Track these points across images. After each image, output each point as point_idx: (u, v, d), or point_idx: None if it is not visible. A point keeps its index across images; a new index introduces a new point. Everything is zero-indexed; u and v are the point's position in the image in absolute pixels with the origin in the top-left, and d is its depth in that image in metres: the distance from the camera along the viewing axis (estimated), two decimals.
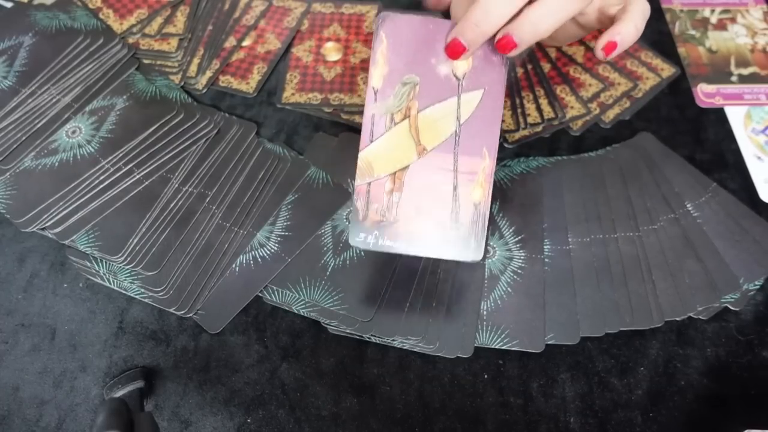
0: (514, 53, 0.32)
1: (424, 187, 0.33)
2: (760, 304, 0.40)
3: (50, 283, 0.39)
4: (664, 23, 0.53)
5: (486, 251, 0.40)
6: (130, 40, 0.48)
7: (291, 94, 0.47)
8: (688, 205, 0.42)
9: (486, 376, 0.37)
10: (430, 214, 0.33)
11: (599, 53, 0.36)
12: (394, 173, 0.33)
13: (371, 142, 0.33)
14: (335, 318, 0.38)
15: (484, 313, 0.38)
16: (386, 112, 0.33)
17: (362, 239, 0.33)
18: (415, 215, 0.33)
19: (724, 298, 0.39)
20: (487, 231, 0.33)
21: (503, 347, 0.38)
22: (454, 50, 0.31)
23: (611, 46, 0.36)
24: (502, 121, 0.34)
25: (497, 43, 0.31)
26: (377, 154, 0.33)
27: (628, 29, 0.36)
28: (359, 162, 0.33)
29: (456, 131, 0.32)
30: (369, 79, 0.33)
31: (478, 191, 0.33)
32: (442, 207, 0.33)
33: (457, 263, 0.40)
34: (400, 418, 0.36)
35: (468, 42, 0.31)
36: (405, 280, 0.39)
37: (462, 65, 0.32)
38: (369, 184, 0.33)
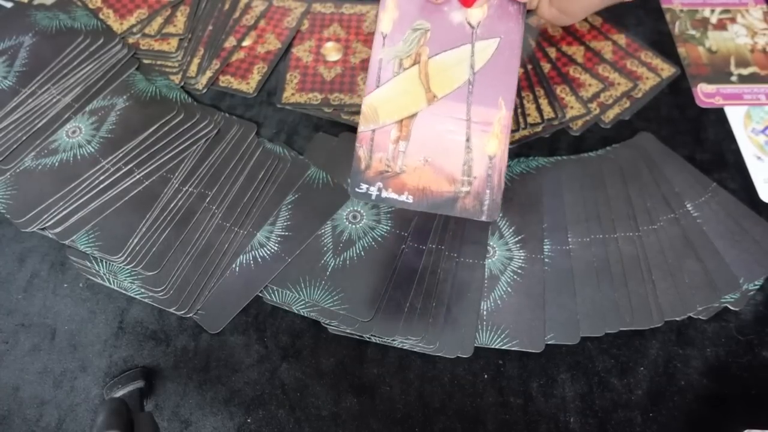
0: (533, 2, 0.30)
1: (434, 137, 0.30)
2: (760, 304, 0.40)
3: (50, 283, 0.39)
4: (664, 23, 0.53)
5: (487, 251, 0.40)
6: (130, 40, 0.48)
7: (291, 94, 0.47)
8: (688, 205, 0.43)
9: (486, 376, 0.37)
10: (440, 166, 0.31)
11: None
12: (401, 121, 0.31)
13: (377, 87, 0.31)
14: (335, 318, 0.38)
15: (484, 313, 0.38)
16: (395, 56, 0.31)
17: (364, 191, 0.31)
18: (423, 166, 0.31)
19: (724, 298, 0.39)
20: (503, 187, 0.31)
21: (503, 347, 0.38)
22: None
23: None
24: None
25: None
26: (383, 99, 0.31)
27: None
28: (363, 107, 0.31)
29: (470, 79, 0.31)
30: (378, 23, 0.31)
31: (494, 143, 0.31)
32: (453, 158, 0.30)
33: (457, 263, 0.40)
34: (400, 418, 0.36)
35: None
36: (405, 280, 0.39)
37: (477, 13, 0.30)
38: (373, 131, 0.31)
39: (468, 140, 0.30)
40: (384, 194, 0.31)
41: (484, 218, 0.31)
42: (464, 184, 0.31)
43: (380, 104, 0.31)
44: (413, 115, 0.31)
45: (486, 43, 0.30)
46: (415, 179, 0.31)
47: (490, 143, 0.30)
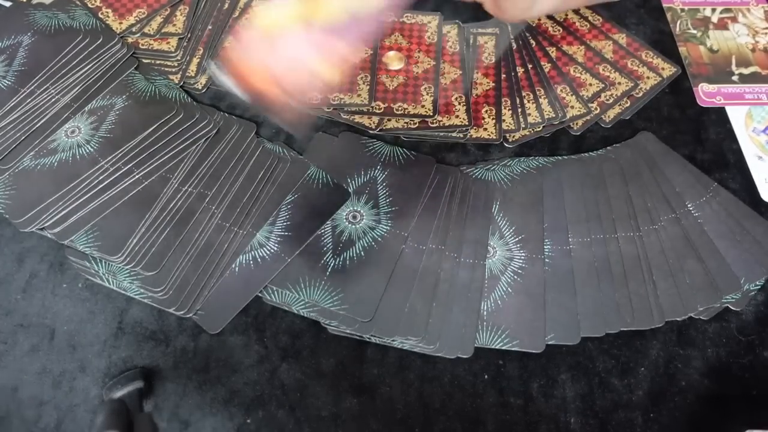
0: None
1: (291, 54, 0.33)
2: (761, 304, 0.40)
3: (49, 284, 0.39)
4: (665, 22, 0.53)
5: (487, 251, 0.40)
6: (130, 40, 0.48)
7: None
8: (688, 205, 0.42)
9: (486, 377, 0.37)
10: (282, 76, 0.33)
11: None
12: (271, 31, 0.33)
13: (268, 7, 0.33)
14: (335, 318, 0.38)
15: (484, 313, 0.38)
16: None
17: (215, 71, 0.33)
18: (269, 73, 0.33)
19: (725, 298, 0.39)
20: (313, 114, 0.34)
21: (503, 347, 0.38)
22: None
23: None
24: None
25: None
26: (268, 17, 0.33)
27: None
28: (250, 20, 0.33)
29: (348, 22, 0.33)
30: None
31: (331, 72, 0.33)
32: (296, 76, 0.33)
33: (457, 263, 0.40)
34: (400, 419, 0.36)
35: None
36: (405, 280, 0.39)
37: None
38: (249, 29, 0.33)
39: (315, 65, 0.33)
40: (228, 82, 0.33)
41: (293, 132, 0.34)
42: (293, 98, 0.33)
43: (263, 20, 0.33)
44: (284, 31, 0.33)
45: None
46: (258, 81, 0.33)
47: (328, 71, 0.33)
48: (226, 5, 0.51)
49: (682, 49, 0.51)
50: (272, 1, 0.33)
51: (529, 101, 0.47)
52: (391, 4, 0.33)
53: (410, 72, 0.48)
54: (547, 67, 0.49)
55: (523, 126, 0.46)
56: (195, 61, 0.48)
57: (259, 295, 0.39)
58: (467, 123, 0.45)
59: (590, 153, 0.45)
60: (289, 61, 0.33)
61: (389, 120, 0.46)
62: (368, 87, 0.46)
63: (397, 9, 0.33)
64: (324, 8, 0.33)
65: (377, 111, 0.46)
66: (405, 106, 0.46)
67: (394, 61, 0.48)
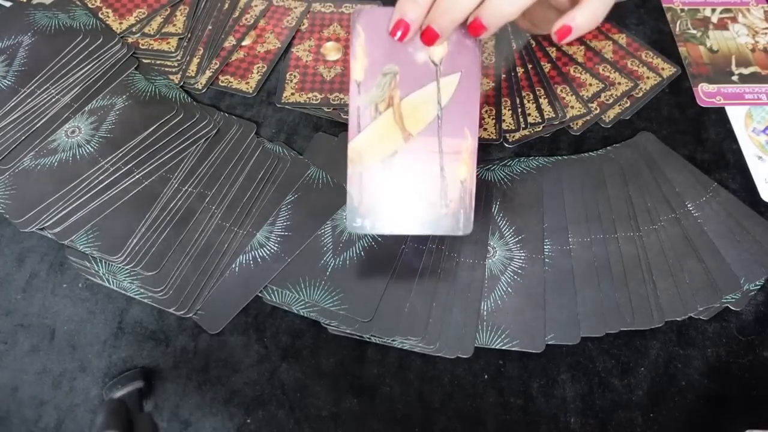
0: (485, 36, 0.33)
1: (414, 169, 0.34)
2: (761, 304, 0.40)
3: (49, 284, 0.39)
4: (665, 22, 0.53)
5: (487, 251, 0.40)
6: (130, 40, 0.48)
7: (291, 94, 0.47)
8: (688, 205, 0.42)
9: (486, 377, 0.37)
10: (421, 194, 0.34)
11: (553, 37, 0.36)
12: (383, 160, 0.34)
13: (359, 132, 0.34)
14: (335, 318, 0.38)
15: (484, 313, 0.38)
16: (370, 102, 0.34)
17: (359, 224, 0.35)
18: (409, 197, 0.35)
19: (725, 298, 0.39)
20: (473, 205, 0.35)
21: (503, 347, 0.38)
22: (429, 37, 0.33)
23: (565, 31, 0.35)
24: (489, 106, 0.35)
25: (468, 27, 0.33)
26: (365, 143, 0.34)
27: (584, 16, 0.35)
28: (349, 153, 0.34)
29: (438, 114, 0.34)
30: (351, 72, 0.34)
31: (463, 169, 0.34)
32: (431, 187, 0.34)
33: (457, 263, 0.40)
34: (400, 419, 0.36)
35: (440, 29, 0.32)
36: (405, 280, 0.39)
37: (438, 51, 0.33)
38: (361, 173, 0.34)
39: (442, 169, 0.34)
40: (377, 225, 0.35)
41: (460, 233, 0.35)
42: (442, 207, 0.35)
43: (363, 148, 0.34)
44: (394, 153, 0.34)
45: (449, 78, 0.34)
46: (401, 210, 0.35)
47: (461, 169, 0.34)
48: (226, 5, 0.51)
49: (682, 49, 0.51)
50: (357, 140, 0.34)
51: (529, 101, 0.47)
52: (470, 77, 0.34)
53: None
54: (547, 67, 0.49)
55: (523, 126, 0.46)
56: (195, 61, 0.48)
57: (259, 295, 0.39)
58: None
59: (590, 153, 0.45)
60: (419, 177, 0.34)
61: None
62: None
63: (476, 74, 0.34)
64: (410, 112, 0.34)
65: None
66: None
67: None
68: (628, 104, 0.48)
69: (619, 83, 0.48)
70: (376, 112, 0.34)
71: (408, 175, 0.34)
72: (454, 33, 0.33)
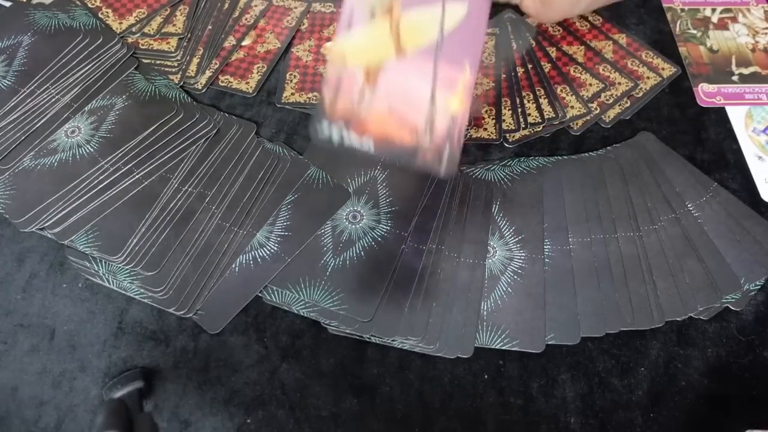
0: None
1: (400, 89, 0.31)
2: (761, 304, 0.40)
3: (49, 284, 0.39)
4: (665, 22, 0.53)
5: (487, 251, 0.40)
6: (130, 40, 0.48)
7: (291, 94, 0.47)
8: (688, 205, 0.42)
9: (486, 377, 0.37)
10: (404, 117, 0.31)
11: None
12: (368, 69, 0.31)
13: (347, 31, 0.31)
14: (335, 318, 0.38)
15: (484, 313, 0.38)
16: (368, 5, 0.31)
17: (326, 133, 0.31)
18: (387, 116, 0.31)
19: (725, 298, 0.39)
20: (461, 146, 0.32)
21: (503, 347, 0.38)
22: None
23: None
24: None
25: None
26: (353, 45, 0.31)
27: None
28: (332, 51, 0.31)
29: (439, 39, 0.31)
30: None
31: (456, 102, 0.31)
32: (416, 112, 0.31)
33: (457, 263, 0.40)
34: (400, 418, 0.36)
35: None
36: (405, 280, 0.39)
37: None
38: (340, 74, 0.31)
39: (433, 96, 0.31)
40: (345, 137, 0.31)
41: (442, 172, 0.31)
42: (426, 135, 0.31)
43: (349, 50, 0.31)
44: (380, 67, 0.31)
45: (457, 5, 0.31)
46: (378, 126, 0.31)
47: (453, 102, 0.31)
48: (226, 5, 0.51)
49: (682, 49, 0.51)
50: (343, 36, 0.31)
51: (529, 101, 0.47)
52: (479, 8, 0.31)
53: None
54: (547, 67, 0.49)
55: (523, 126, 0.46)
56: (195, 61, 0.48)
57: (259, 295, 0.39)
58: (467, 123, 0.45)
59: (590, 153, 0.45)
60: (405, 98, 0.31)
61: None
62: None
63: (485, 10, 0.31)
64: (408, 29, 0.31)
65: None
66: None
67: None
68: (628, 104, 0.48)
69: (619, 83, 0.48)
70: (371, 17, 0.31)
71: (393, 93, 0.31)
72: None
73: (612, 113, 0.47)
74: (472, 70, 0.31)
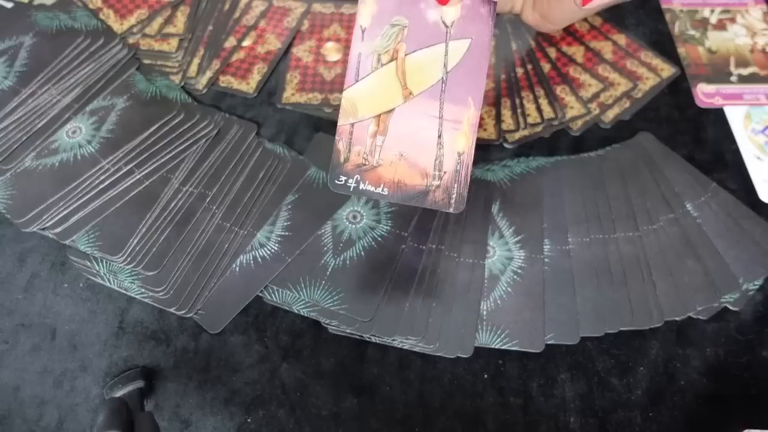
0: (516, 7, 0.32)
1: (409, 133, 0.32)
2: (759, 304, 0.40)
3: (50, 283, 0.39)
4: (664, 23, 0.53)
5: (487, 251, 0.40)
6: (131, 41, 0.48)
7: (291, 94, 0.47)
8: (687, 205, 0.43)
9: (486, 376, 0.37)
10: (414, 160, 0.32)
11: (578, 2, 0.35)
12: (379, 116, 0.32)
13: (356, 81, 0.32)
14: (335, 318, 0.38)
15: (484, 313, 0.38)
16: (373, 51, 0.32)
17: (342, 182, 0.33)
18: (398, 161, 0.32)
19: (724, 298, 0.39)
20: (468, 182, 0.33)
21: (503, 347, 0.38)
22: None
23: None
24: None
25: None
26: (362, 94, 0.32)
27: None
28: (343, 101, 0.32)
29: (443, 78, 0.32)
30: (357, 16, 0.32)
31: (462, 140, 0.32)
32: (426, 154, 0.32)
33: (457, 263, 0.40)
34: (400, 418, 0.36)
35: None
36: (405, 280, 0.39)
37: (451, 13, 0.32)
38: (352, 125, 0.32)
39: (440, 137, 0.32)
40: (362, 186, 0.33)
41: (451, 210, 0.33)
42: (435, 178, 0.32)
43: (359, 99, 0.32)
44: (390, 111, 0.32)
45: (459, 43, 0.32)
46: (390, 172, 0.32)
47: (460, 140, 0.32)
48: (227, 6, 0.51)
49: (681, 50, 0.51)
50: (352, 84, 0.32)
51: (528, 102, 0.47)
52: (480, 45, 0.32)
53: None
54: (546, 67, 0.49)
55: (523, 126, 0.46)
56: (196, 61, 0.48)
57: (260, 294, 0.39)
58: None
59: (590, 153, 0.45)
60: (413, 142, 0.32)
61: None
62: None
63: (487, 45, 0.32)
64: (413, 71, 0.32)
65: None
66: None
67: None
68: (628, 105, 0.48)
69: (619, 84, 0.48)
70: (377, 64, 0.32)
71: (402, 138, 0.32)
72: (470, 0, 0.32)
73: (611, 114, 0.47)
74: (476, 105, 0.32)
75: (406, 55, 0.32)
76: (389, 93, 0.32)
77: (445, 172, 0.33)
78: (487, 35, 0.32)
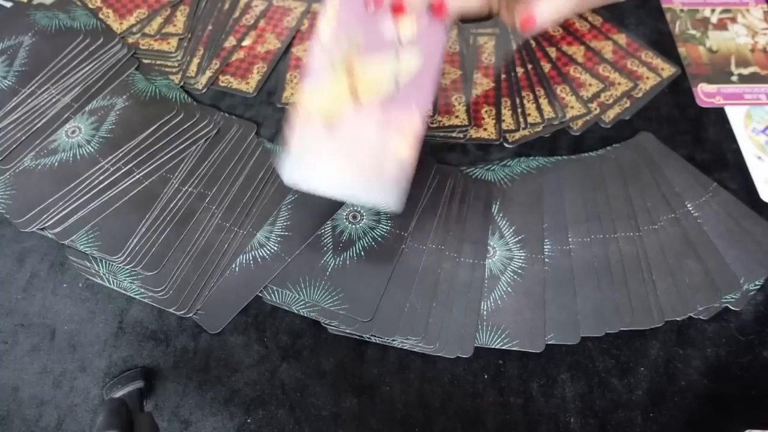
0: (447, 21, 0.34)
1: (356, 137, 0.35)
2: (760, 304, 0.40)
3: (50, 283, 0.39)
4: (665, 23, 0.53)
5: (487, 251, 0.40)
6: (130, 40, 0.48)
7: (291, 94, 0.47)
8: (688, 205, 0.42)
9: (486, 376, 0.37)
10: (359, 162, 0.35)
11: (518, 26, 0.37)
12: (328, 118, 0.35)
13: (312, 90, 0.34)
14: (335, 318, 0.38)
15: (484, 313, 0.38)
16: (329, 64, 0.34)
17: (291, 178, 0.35)
18: (345, 162, 0.35)
19: (725, 298, 0.39)
20: (408, 187, 0.35)
21: (503, 347, 0.38)
22: (398, 8, 0.34)
23: (528, 20, 0.36)
24: (442, 91, 0.37)
25: (432, 8, 0.34)
26: (317, 102, 0.34)
27: (546, 7, 0.35)
28: (299, 108, 0.34)
29: (393, 91, 0.34)
30: (317, 30, 0.34)
31: (405, 148, 0.35)
32: (369, 157, 0.35)
33: (457, 263, 0.40)
34: (400, 418, 0.36)
35: (409, 3, 0.33)
36: (405, 280, 0.39)
37: (406, 30, 0.34)
38: (305, 128, 0.35)
39: (384, 143, 0.35)
40: (310, 181, 0.35)
41: (390, 208, 0.36)
42: (378, 178, 0.35)
43: (314, 107, 0.34)
44: (339, 114, 0.35)
45: (411, 59, 0.34)
46: (336, 172, 0.35)
47: (402, 148, 0.35)
48: (227, 5, 0.51)
49: (682, 50, 0.51)
50: (308, 84, 0.34)
51: (528, 101, 0.47)
52: (432, 60, 0.35)
53: None
54: (546, 67, 0.49)
55: (523, 126, 0.46)
56: (195, 61, 0.48)
57: (260, 294, 0.39)
58: (467, 123, 0.45)
59: (590, 153, 0.45)
60: (360, 146, 0.35)
61: None
62: None
63: (438, 65, 0.35)
64: (365, 82, 0.34)
65: None
66: None
67: None
68: (628, 104, 0.48)
69: (619, 83, 0.48)
70: (333, 75, 0.34)
71: (350, 143, 0.35)
72: (425, 17, 0.34)
73: (612, 113, 0.47)
74: (421, 117, 0.35)
75: (360, 69, 0.34)
76: (340, 99, 0.35)
77: (387, 175, 0.35)
78: (438, 52, 0.35)
